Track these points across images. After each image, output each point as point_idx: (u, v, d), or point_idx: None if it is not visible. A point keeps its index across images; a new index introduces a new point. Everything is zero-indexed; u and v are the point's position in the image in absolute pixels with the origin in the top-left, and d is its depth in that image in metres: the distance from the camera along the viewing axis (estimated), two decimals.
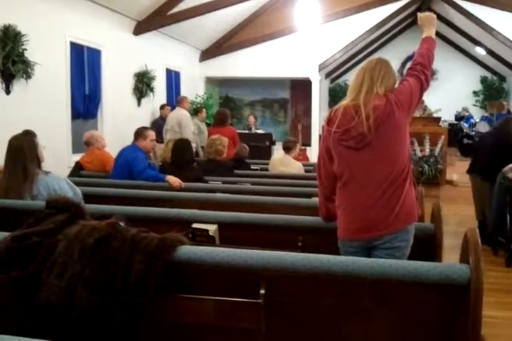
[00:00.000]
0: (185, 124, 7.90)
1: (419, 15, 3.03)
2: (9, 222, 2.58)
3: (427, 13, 3.04)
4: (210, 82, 13.46)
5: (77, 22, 7.20)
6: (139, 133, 5.30)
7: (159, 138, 7.16)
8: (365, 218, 2.61)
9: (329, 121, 2.72)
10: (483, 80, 16.28)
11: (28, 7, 6.10)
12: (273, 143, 11.30)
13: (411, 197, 2.66)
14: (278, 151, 8.92)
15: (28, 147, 3.47)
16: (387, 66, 2.74)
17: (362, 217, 2.62)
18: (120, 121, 8.47)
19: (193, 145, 7.55)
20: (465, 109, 14.88)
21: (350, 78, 2.89)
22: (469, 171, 6.31)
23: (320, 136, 11.71)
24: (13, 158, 3.44)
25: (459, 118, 14.80)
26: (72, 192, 3.50)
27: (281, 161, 6.24)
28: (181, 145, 5.30)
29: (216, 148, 5.64)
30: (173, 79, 10.86)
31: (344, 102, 2.72)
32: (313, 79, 12.33)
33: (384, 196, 2.58)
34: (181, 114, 8.09)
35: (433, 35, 2.93)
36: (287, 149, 6.22)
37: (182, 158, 5.19)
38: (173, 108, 9.50)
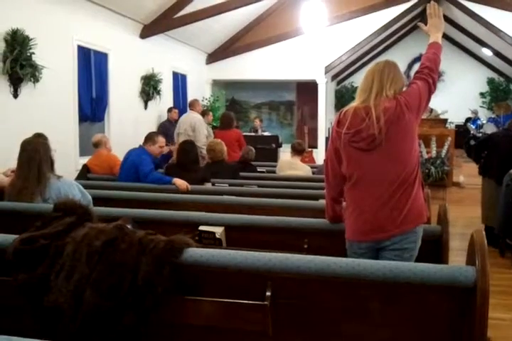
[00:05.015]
0: (198, 128, 7.80)
1: (428, 10, 2.96)
2: (17, 224, 2.59)
3: (436, 7, 2.95)
4: (217, 84, 13.48)
5: (84, 26, 7.24)
6: (150, 138, 5.33)
7: (168, 141, 7.17)
8: (375, 219, 2.62)
9: (339, 123, 2.72)
10: (490, 82, 16.22)
11: (35, 11, 6.14)
12: (279, 145, 11.29)
13: (420, 198, 2.67)
14: (285, 154, 8.91)
15: (43, 149, 3.50)
16: (395, 68, 2.75)
17: (371, 218, 2.62)
18: (127, 124, 8.51)
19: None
20: (473, 111, 14.80)
21: (357, 80, 2.91)
22: (482, 173, 6.26)
23: (327, 138, 11.70)
24: (28, 160, 3.45)
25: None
26: (81, 196, 3.51)
27: (290, 164, 6.22)
28: (185, 147, 5.34)
29: (221, 149, 5.69)
30: (179, 82, 10.88)
31: (354, 104, 2.72)
32: (319, 81, 12.33)
33: (393, 197, 2.59)
34: (194, 117, 7.92)
35: (439, 40, 2.92)
36: (296, 152, 6.20)
37: (186, 159, 5.23)
38: (180, 111, 9.52)
